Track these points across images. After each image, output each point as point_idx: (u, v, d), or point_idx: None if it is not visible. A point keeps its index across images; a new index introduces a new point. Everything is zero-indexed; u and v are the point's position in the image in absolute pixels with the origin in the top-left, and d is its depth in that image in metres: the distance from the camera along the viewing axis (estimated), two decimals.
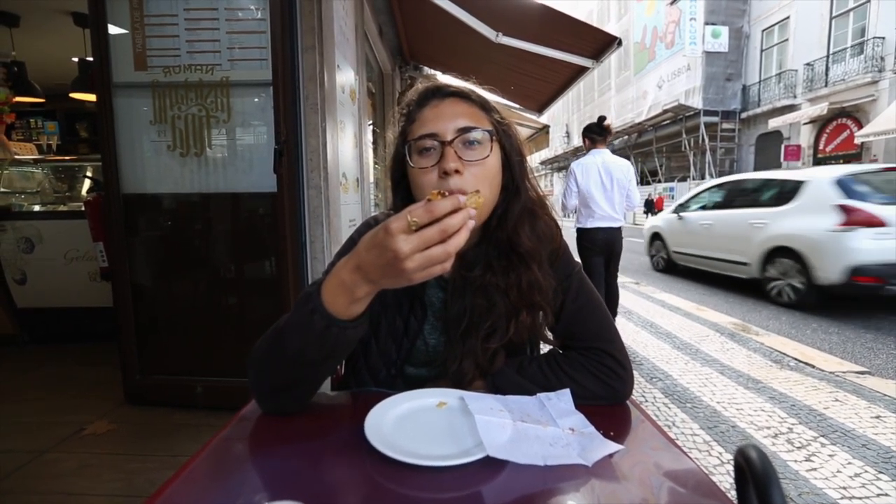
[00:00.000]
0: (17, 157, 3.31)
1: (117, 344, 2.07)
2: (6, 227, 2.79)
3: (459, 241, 0.49)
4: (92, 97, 3.58)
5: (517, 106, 5.26)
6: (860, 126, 11.80)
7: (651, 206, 18.50)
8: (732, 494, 0.46)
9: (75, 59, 3.64)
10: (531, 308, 0.72)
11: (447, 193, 0.51)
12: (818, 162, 13.63)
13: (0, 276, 2.82)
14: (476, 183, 0.65)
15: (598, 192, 3.12)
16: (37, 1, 2.99)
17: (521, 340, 0.73)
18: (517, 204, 0.72)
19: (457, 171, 0.63)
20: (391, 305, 0.75)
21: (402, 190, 0.73)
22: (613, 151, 3.43)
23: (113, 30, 1.93)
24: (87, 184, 3.32)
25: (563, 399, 0.65)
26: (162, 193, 2.01)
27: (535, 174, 0.77)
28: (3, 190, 3.08)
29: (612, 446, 0.54)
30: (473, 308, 0.71)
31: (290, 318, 0.58)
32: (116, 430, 1.89)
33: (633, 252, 9.64)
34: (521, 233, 0.71)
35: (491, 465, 0.51)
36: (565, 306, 0.75)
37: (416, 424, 0.59)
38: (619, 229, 3.21)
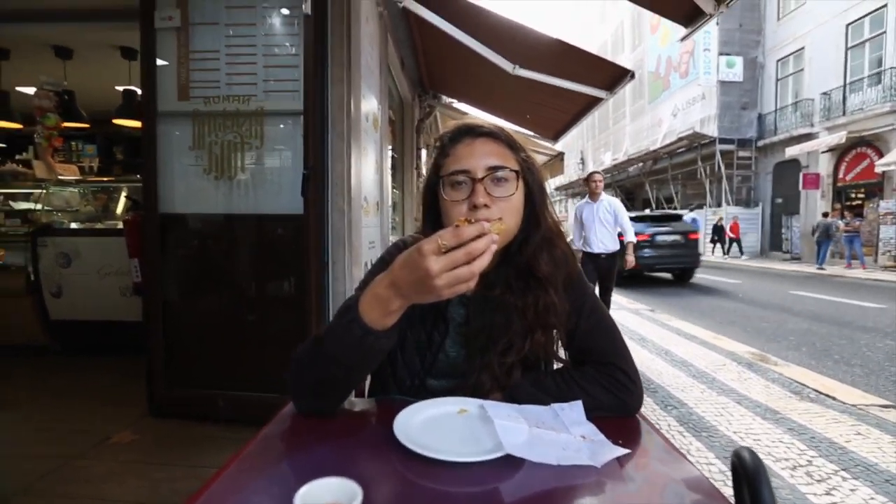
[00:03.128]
0: (60, 177, 3.53)
1: (145, 357, 2.16)
2: (47, 242, 2.96)
3: (483, 262, 0.56)
4: (133, 123, 3.83)
5: (532, 134, 5.39)
6: (880, 155, 11.64)
7: (721, 234, 15.48)
8: None
9: (119, 89, 3.90)
10: (546, 328, 0.78)
11: (473, 220, 0.58)
12: (838, 191, 13.42)
13: (37, 289, 2.98)
14: (501, 215, 0.73)
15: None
16: (89, 35, 3.25)
17: (535, 357, 0.79)
18: (537, 233, 0.79)
19: (485, 206, 0.71)
20: (416, 320, 0.81)
21: (431, 216, 0.81)
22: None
23: (160, 62, 2.10)
24: (122, 202, 3.50)
25: (575, 410, 0.70)
26: (195, 213, 2.14)
27: (553, 199, 0.85)
28: (46, 208, 3.28)
29: (621, 451, 0.59)
30: (493, 325, 0.77)
31: (330, 327, 0.66)
32: (140, 440, 1.96)
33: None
34: (539, 259, 0.78)
35: (509, 464, 0.56)
36: (580, 325, 0.80)
37: (439, 428, 0.65)
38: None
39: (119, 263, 2.87)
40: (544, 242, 0.79)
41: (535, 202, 0.79)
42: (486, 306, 0.78)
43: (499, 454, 0.56)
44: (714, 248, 15.81)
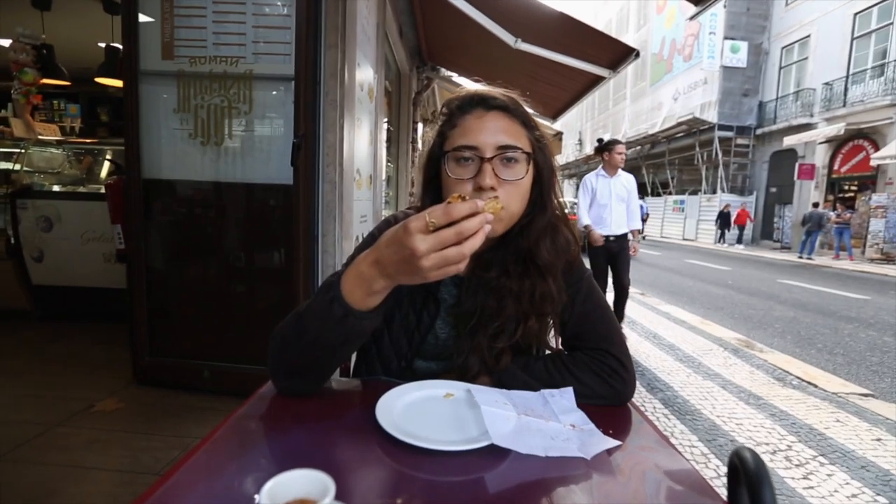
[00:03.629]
0: (40, 137, 3.39)
1: (128, 325, 2.12)
2: (27, 205, 2.86)
3: (475, 243, 0.51)
4: (116, 83, 3.66)
5: (533, 112, 5.27)
6: (877, 148, 11.66)
7: (727, 221, 15.02)
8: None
9: (102, 45, 3.72)
10: (540, 316, 0.74)
11: (467, 197, 0.53)
12: (832, 183, 13.48)
13: (18, 252, 2.90)
14: (508, 199, 0.68)
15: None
16: None
17: (527, 344, 0.76)
18: (542, 218, 0.74)
19: (492, 188, 0.66)
20: (405, 299, 0.78)
21: (432, 189, 0.75)
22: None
23: (142, 18, 1.98)
24: (106, 167, 3.39)
25: (565, 396, 0.68)
26: (181, 180, 2.06)
27: (559, 182, 0.80)
28: (26, 169, 3.16)
29: (611, 442, 0.57)
30: (485, 307, 0.73)
31: (311, 305, 0.61)
32: (124, 409, 1.94)
33: (639, 262, 9.63)
34: (541, 246, 0.73)
35: (494, 454, 0.53)
36: (574, 309, 0.77)
37: (423, 412, 0.62)
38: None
39: (102, 229, 2.80)
40: (548, 228, 0.75)
41: (543, 185, 0.74)
42: (479, 287, 0.74)
43: (485, 443, 0.54)
44: (719, 234, 15.57)
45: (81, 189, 3.19)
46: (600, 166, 3.56)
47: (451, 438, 0.55)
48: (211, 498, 0.46)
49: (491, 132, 0.68)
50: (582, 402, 0.67)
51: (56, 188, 3.15)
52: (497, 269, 0.74)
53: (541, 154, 0.73)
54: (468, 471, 0.52)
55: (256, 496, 0.32)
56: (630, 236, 3.56)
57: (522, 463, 0.53)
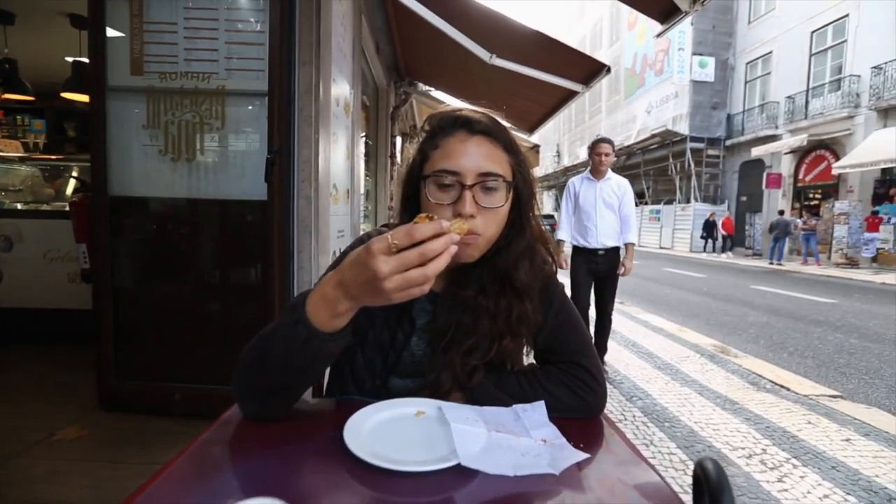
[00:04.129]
0: (0, 154, 3.27)
1: (95, 347, 2.03)
2: None
3: (439, 265, 0.50)
4: (83, 98, 3.56)
5: (509, 125, 5.35)
6: (837, 158, 12.25)
7: (711, 230, 15.19)
8: None
9: (69, 60, 3.63)
10: (515, 336, 0.74)
11: (434, 217, 0.53)
12: (798, 191, 14.06)
13: None
14: (485, 225, 0.68)
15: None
16: (34, 1, 3.00)
17: (500, 361, 0.75)
18: (521, 241, 0.74)
19: (471, 216, 0.66)
20: (379, 317, 0.76)
21: (411, 207, 0.74)
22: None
23: (111, 33, 1.94)
24: (72, 184, 3.28)
25: (537, 411, 0.67)
26: (150, 197, 2.01)
27: (538, 204, 0.80)
28: None
29: (581, 455, 0.57)
30: (459, 324, 0.73)
31: (275, 327, 0.60)
32: (88, 437, 1.85)
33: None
34: (519, 268, 0.73)
35: (464, 473, 0.53)
36: (547, 323, 0.77)
37: (393, 432, 0.61)
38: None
39: (67, 248, 2.70)
40: (527, 251, 0.74)
41: (521, 208, 0.74)
42: (454, 304, 0.74)
43: (454, 462, 0.53)
44: (705, 244, 15.64)
45: (45, 207, 3.07)
46: (587, 169, 3.17)
47: (420, 458, 0.54)
48: None
49: (473, 158, 0.68)
50: (554, 416, 0.67)
51: (18, 206, 3.03)
52: (474, 288, 0.73)
53: (520, 178, 0.73)
54: (437, 490, 0.51)
55: None
56: (623, 251, 3.03)
57: (492, 481, 0.52)
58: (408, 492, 0.51)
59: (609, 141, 3.10)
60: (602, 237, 2.99)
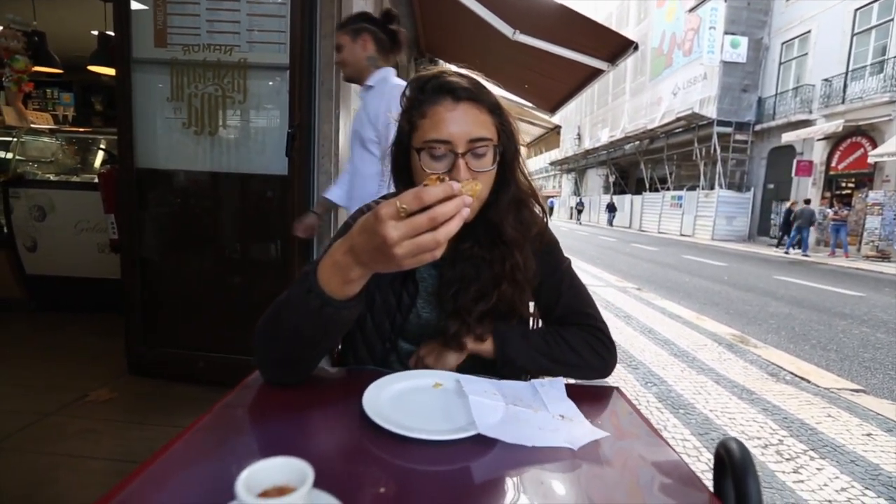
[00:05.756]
0: (33, 125, 3.35)
1: (123, 315, 2.11)
2: (20, 194, 2.83)
3: (451, 229, 0.48)
4: (109, 71, 3.60)
5: (530, 105, 5.25)
6: (875, 145, 11.66)
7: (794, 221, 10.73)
8: None
9: (95, 33, 3.66)
10: (512, 282, 0.77)
11: (446, 178, 0.51)
12: (829, 179, 13.49)
13: (11, 241, 2.87)
14: (481, 188, 0.69)
15: None
16: None
17: (505, 310, 0.77)
18: (506, 195, 0.75)
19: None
20: (384, 281, 0.78)
21: (405, 178, 0.75)
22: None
23: (135, 5, 1.95)
24: (100, 156, 3.35)
25: (555, 387, 0.67)
26: (174, 170, 2.04)
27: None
28: (18, 158, 3.12)
29: (599, 433, 0.57)
30: (463, 275, 0.76)
31: (288, 296, 0.60)
32: (118, 399, 1.94)
33: (636, 258, 9.65)
34: (505, 223, 0.75)
35: (482, 443, 0.53)
36: (563, 290, 0.82)
37: (411, 402, 0.62)
38: None
39: (97, 219, 2.77)
40: (513, 204, 0.76)
41: (506, 164, 0.75)
42: (456, 259, 0.76)
43: (471, 432, 0.53)
44: (780, 238, 13.05)
45: (75, 178, 3.15)
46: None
47: (437, 428, 0.55)
48: (189, 486, 0.46)
49: (462, 124, 0.68)
50: (573, 376, 0.72)
51: (49, 177, 3.12)
52: (470, 241, 0.76)
53: (505, 137, 0.73)
54: (454, 460, 0.52)
55: (235, 484, 0.32)
56: None
57: (509, 452, 0.53)
58: (425, 460, 0.51)
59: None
60: None
